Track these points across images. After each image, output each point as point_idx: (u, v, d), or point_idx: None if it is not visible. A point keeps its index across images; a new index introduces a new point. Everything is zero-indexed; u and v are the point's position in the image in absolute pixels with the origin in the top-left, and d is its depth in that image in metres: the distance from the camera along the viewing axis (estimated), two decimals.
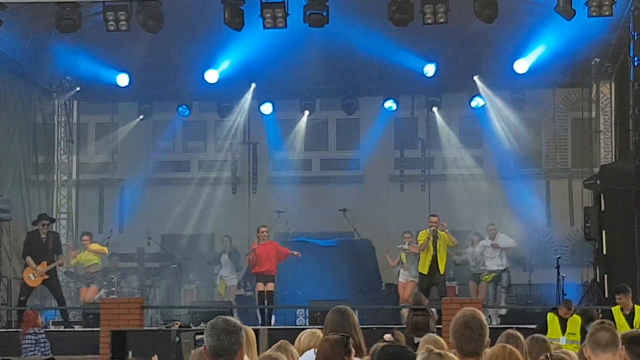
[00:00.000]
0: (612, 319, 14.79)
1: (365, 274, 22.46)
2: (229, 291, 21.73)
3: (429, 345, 6.87)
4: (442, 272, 19.20)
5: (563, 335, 15.00)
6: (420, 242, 19.29)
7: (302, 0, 17.60)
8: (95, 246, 20.46)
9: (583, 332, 14.92)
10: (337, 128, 26.21)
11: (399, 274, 20.39)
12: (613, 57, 21.60)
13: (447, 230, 19.12)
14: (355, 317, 7.03)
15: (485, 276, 20.42)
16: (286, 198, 24.03)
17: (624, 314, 14.91)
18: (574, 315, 15.42)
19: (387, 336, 8.99)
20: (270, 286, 19.26)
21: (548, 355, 5.73)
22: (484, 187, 24.17)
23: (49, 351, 16.43)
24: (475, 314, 5.27)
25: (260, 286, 19.33)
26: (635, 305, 15.15)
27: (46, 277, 18.69)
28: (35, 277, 18.64)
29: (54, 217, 23.61)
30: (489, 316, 18.90)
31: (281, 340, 7.37)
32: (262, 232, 19.53)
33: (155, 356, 9.57)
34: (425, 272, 19.15)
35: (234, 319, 5.04)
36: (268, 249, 19.35)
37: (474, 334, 5.19)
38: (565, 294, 17.98)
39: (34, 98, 23.38)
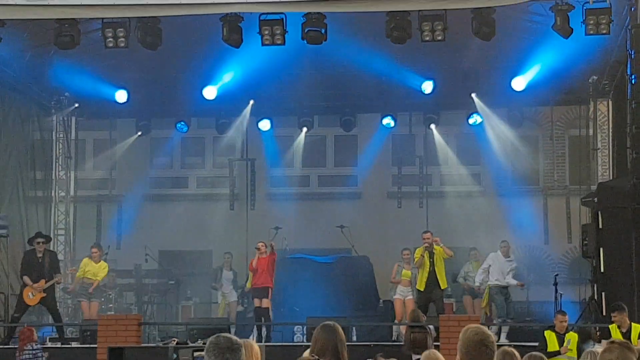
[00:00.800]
0: (609, 337, 14.81)
1: (362, 290, 22.43)
2: (230, 307, 21.68)
3: None
4: (443, 287, 19.16)
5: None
6: (415, 260, 19.30)
7: (301, 17, 17.65)
8: (104, 266, 20.26)
9: (579, 349, 14.94)
10: (335, 145, 26.24)
11: (395, 291, 20.31)
12: (610, 74, 21.66)
13: (441, 245, 19.13)
14: (342, 332, 7.02)
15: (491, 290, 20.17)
16: (284, 214, 24.03)
17: (621, 332, 14.91)
18: (571, 332, 15.44)
19: None
20: (265, 302, 19.21)
21: None
22: (482, 204, 24.19)
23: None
24: (487, 330, 5.25)
25: (256, 302, 19.35)
26: (632, 323, 15.15)
27: (43, 294, 18.68)
28: (33, 295, 18.63)
29: (52, 232, 23.65)
30: (497, 333, 18.86)
31: None
32: (258, 247, 19.53)
33: None
34: (423, 289, 19.12)
35: (235, 337, 5.02)
36: (263, 263, 19.33)
37: (490, 352, 5.18)
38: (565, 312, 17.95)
39: (32, 114, 23.40)
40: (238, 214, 25.22)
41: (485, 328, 5.27)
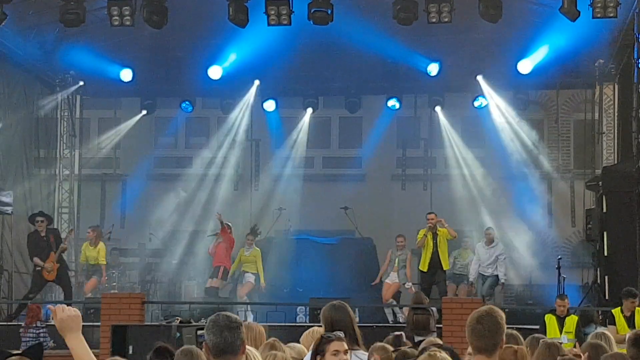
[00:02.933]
0: (613, 320, 14.83)
1: (365, 272, 22.43)
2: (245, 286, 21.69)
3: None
4: (445, 268, 19.17)
5: (562, 334, 15.02)
6: (418, 240, 19.28)
7: None
8: (102, 249, 20.29)
9: (578, 331, 14.95)
10: (339, 126, 26.21)
11: (387, 275, 20.27)
12: (617, 58, 21.59)
13: (446, 225, 19.11)
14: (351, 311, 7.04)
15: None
16: (288, 195, 24.04)
17: (625, 317, 14.92)
18: (572, 315, 15.45)
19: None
20: (215, 282, 19.75)
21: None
22: (486, 187, 24.15)
23: (48, 345, 16.44)
24: (491, 311, 5.29)
25: (209, 282, 19.95)
26: (637, 308, 15.14)
27: (58, 265, 18.80)
28: (50, 270, 18.74)
29: (56, 211, 23.69)
30: None
31: (273, 339, 7.37)
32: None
33: None
34: (426, 270, 19.10)
35: (234, 315, 5.02)
36: (222, 243, 19.75)
37: (484, 330, 5.21)
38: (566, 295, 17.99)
39: (37, 92, 23.38)
40: (242, 194, 25.23)
41: (493, 309, 5.30)
